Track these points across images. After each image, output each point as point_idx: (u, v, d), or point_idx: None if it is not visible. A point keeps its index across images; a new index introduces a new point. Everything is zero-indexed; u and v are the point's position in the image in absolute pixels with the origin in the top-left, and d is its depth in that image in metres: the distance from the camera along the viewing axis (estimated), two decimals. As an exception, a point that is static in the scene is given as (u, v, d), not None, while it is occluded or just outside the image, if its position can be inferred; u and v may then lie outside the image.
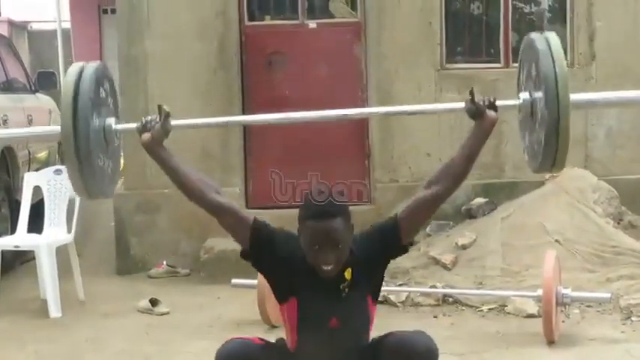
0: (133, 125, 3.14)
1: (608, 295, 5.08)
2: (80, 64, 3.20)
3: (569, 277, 5.35)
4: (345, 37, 7.00)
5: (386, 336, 3.08)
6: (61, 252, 5.87)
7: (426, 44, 6.86)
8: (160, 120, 3.05)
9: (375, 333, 3.12)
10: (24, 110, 7.80)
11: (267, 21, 7.14)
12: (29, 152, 7.75)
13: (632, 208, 6.54)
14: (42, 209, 6.08)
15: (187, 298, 6.02)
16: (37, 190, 6.14)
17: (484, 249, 5.98)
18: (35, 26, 14.93)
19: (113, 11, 9.21)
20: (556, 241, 5.84)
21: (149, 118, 3.08)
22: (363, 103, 6.88)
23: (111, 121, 3.23)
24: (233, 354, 2.97)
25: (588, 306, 5.39)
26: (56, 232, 5.97)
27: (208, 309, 5.74)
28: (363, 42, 6.93)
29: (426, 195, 3.03)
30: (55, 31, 13.54)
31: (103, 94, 3.22)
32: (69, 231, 5.95)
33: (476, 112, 3.02)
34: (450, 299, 5.64)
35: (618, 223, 6.30)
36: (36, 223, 6.11)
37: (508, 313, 5.39)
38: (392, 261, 3.15)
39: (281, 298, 3.08)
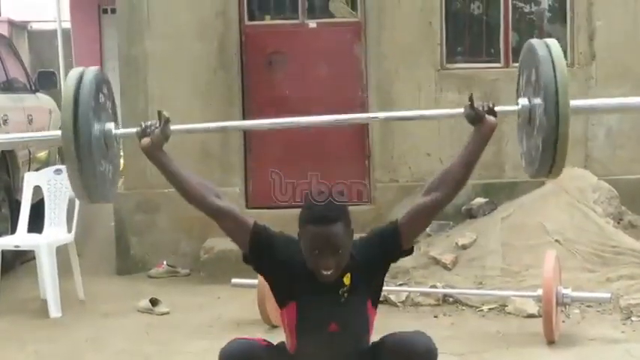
0: (133, 130, 3.15)
1: (608, 295, 5.07)
2: (80, 69, 3.21)
3: (570, 277, 5.35)
4: (345, 36, 7.00)
5: (386, 337, 3.09)
6: (61, 252, 5.87)
7: (426, 44, 6.86)
8: (159, 125, 3.05)
9: (375, 332, 3.12)
10: (24, 110, 7.80)
11: (267, 21, 7.14)
12: (29, 152, 7.75)
13: (632, 208, 6.54)
14: (42, 209, 6.08)
15: (187, 298, 6.02)
16: (37, 189, 6.14)
17: (484, 249, 5.98)
18: (35, 26, 14.92)
19: (113, 11, 9.21)
20: (556, 241, 5.84)
21: (149, 123, 3.09)
22: (363, 103, 6.89)
23: (110, 126, 3.24)
24: (236, 354, 2.97)
25: (588, 306, 5.39)
26: (56, 231, 5.97)
27: (208, 309, 5.74)
28: (363, 42, 6.93)
29: (426, 201, 3.03)
30: (55, 31, 13.53)
31: (102, 99, 3.23)
32: (69, 231, 5.96)
33: (475, 117, 3.02)
34: (450, 299, 5.64)
35: (618, 223, 6.30)
36: (36, 223, 6.11)
37: (508, 313, 5.39)
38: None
39: (281, 302, 3.09)
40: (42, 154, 8.24)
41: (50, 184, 6.08)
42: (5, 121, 7.06)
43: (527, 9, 7.24)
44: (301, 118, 3.54)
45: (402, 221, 3.06)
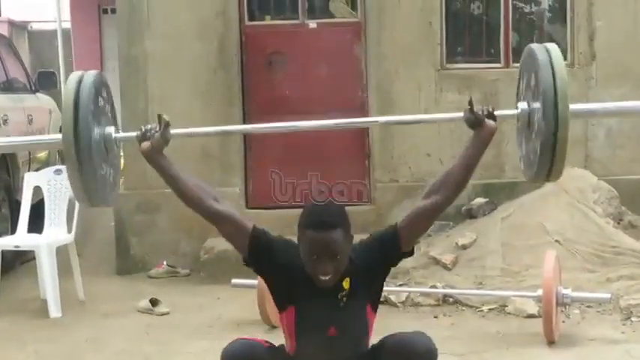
0: (133, 134, 3.16)
1: (608, 296, 5.07)
2: (79, 73, 3.22)
3: (569, 278, 5.35)
4: (345, 37, 6.99)
5: (385, 338, 3.09)
6: (61, 252, 5.87)
7: (426, 44, 6.85)
8: (159, 129, 3.05)
9: (375, 333, 3.12)
10: (24, 110, 7.80)
11: (268, 21, 7.13)
12: (29, 152, 7.74)
13: (632, 208, 6.54)
14: (42, 209, 6.08)
15: (187, 299, 6.02)
16: (37, 190, 6.14)
17: (484, 249, 5.98)
18: (35, 26, 14.91)
19: (113, 11, 9.21)
20: (556, 241, 5.84)
21: (149, 126, 3.09)
22: (363, 103, 6.89)
23: (110, 129, 3.24)
24: (238, 354, 2.97)
25: (588, 306, 5.39)
26: (56, 232, 5.97)
27: (208, 309, 5.74)
28: (363, 42, 6.93)
29: (426, 204, 3.04)
30: (55, 31, 13.52)
31: (101, 102, 3.23)
32: (69, 231, 5.96)
33: (475, 121, 3.03)
34: (450, 299, 5.64)
35: (618, 223, 6.30)
36: (36, 223, 6.11)
37: (508, 313, 5.39)
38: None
39: (280, 305, 3.09)
40: (42, 155, 8.24)
41: (50, 184, 6.08)
42: (5, 121, 7.06)
43: (527, 9, 7.24)
44: (301, 123, 3.54)
45: (402, 225, 3.06)
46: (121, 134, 3.31)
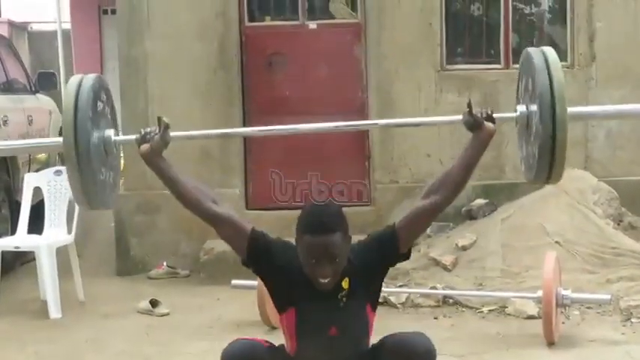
0: (132, 137, 3.16)
1: (608, 297, 5.07)
2: (79, 76, 3.22)
3: (569, 279, 5.35)
4: (346, 37, 6.99)
5: (385, 338, 3.09)
6: (61, 253, 5.87)
7: (426, 45, 6.85)
8: (159, 131, 3.05)
9: (374, 333, 3.12)
10: (24, 111, 7.80)
11: (268, 22, 7.14)
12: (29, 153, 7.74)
13: (632, 210, 6.54)
14: (42, 210, 6.08)
15: (187, 299, 6.02)
16: (37, 190, 6.14)
17: (484, 250, 5.98)
18: (35, 27, 14.90)
19: (113, 11, 9.22)
20: (556, 242, 5.84)
21: (148, 129, 3.09)
22: (363, 103, 6.89)
23: (110, 132, 3.25)
24: (238, 354, 2.97)
25: (588, 307, 5.38)
26: (56, 233, 5.97)
27: (208, 310, 5.74)
28: (363, 42, 6.93)
29: (425, 205, 3.04)
30: (55, 32, 13.52)
31: (100, 106, 3.24)
32: (69, 232, 5.96)
33: (474, 124, 3.03)
34: (450, 300, 5.64)
35: (618, 225, 6.30)
36: (36, 224, 6.11)
37: (508, 314, 5.39)
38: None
39: (280, 307, 3.10)
40: (42, 155, 8.23)
41: (50, 185, 6.08)
42: (5, 122, 7.06)
43: (527, 10, 7.24)
44: (300, 126, 3.54)
45: (400, 225, 3.06)
46: (121, 137, 3.32)
